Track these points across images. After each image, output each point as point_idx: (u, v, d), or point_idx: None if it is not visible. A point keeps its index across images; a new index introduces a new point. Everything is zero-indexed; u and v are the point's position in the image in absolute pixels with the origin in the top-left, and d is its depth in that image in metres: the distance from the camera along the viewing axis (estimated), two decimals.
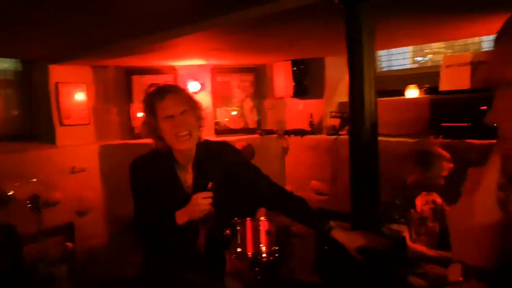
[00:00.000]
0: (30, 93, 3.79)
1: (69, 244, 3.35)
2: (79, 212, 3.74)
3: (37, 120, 3.81)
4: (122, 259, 3.68)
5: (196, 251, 1.75)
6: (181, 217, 1.58)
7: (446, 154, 2.40)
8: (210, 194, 1.59)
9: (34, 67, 3.74)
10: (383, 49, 3.95)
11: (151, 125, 1.65)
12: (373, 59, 1.85)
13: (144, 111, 1.67)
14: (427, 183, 2.45)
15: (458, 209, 0.75)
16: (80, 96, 3.90)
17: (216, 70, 4.26)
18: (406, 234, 2.35)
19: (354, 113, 1.89)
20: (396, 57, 4.31)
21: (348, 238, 1.67)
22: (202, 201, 1.57)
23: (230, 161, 1.79)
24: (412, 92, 3.29)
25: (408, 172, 2.51)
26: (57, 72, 3.72)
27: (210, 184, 1.60)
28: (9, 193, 2.30)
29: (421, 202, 2.51)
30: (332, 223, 1.73)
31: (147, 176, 1.69)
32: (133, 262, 3.35)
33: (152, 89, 1.69)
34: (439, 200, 2.58)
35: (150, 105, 1.64)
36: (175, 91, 1.67)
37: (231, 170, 1.76)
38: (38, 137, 3.79)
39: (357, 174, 1.92)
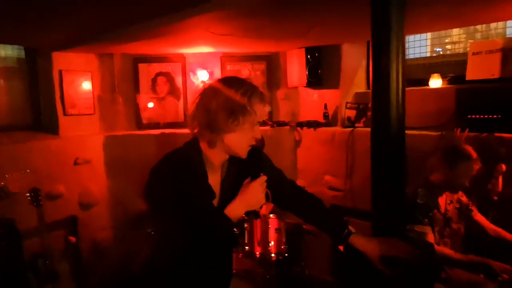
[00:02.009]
0: (34, 82, 3.67)
1: (72, 238, 3.24)
2: (82, 205, 3.64)
3: (40, 110, 3.69)
4: (127, 253, 3.58)
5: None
6: (236, 213, 1.39)
7: (473, 154, 2.21)
8: (264, 179, 1.41)
9: (38, 55, 3.61)
10: (410, 34, 3.72)
11: (240, 125, 1.37)
12: (401, 44, 1.66)
13: (233, 106, 1.36)
14: (452, 182, 2.27)
15: None
16: (85, 85, 3.77)
17: (226, 58, 4.09)
18: (431, 237, 2.18)
19: (378, 103, 1.70)
20: (413, 46, 4.09)
21: (370, 246, 1.49)
22: (260, 188, 1.40)
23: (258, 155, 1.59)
24: (436, 82, 3.08)
25: (431, 169, 2.32)
26: (61, 60, 3.59)
27: (262, 172, 1.43)
28: (2, 184, 2.16)
29: (445, 201, 2.33)
30: (351, 228, 1.55)
31: (185, 178, 1.40)
32: (139, 257, 3.28)
33: (243, 82, 1.44)
34: (465, 199, 2.40)
35: (248, 103, 1.37)
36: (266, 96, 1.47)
37: (250, 159, 1.56)
38: (41, 127, 3.67)
39: (380, 170, 1.74)
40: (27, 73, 3.64)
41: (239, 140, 1.40)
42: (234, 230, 1.43)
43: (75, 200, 3.58)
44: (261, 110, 1.41)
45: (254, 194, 1.40)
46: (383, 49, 1.63)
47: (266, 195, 1.43)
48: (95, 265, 3.61)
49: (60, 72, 3.57)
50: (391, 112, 1.64)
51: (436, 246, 2.17)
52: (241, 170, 1.48)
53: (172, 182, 1.35)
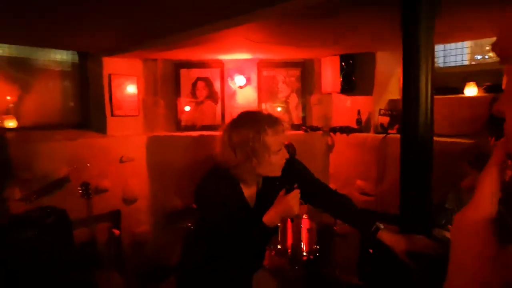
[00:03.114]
0: (85, 84, 3.96)
1: (116, 231, 3.47)
2: (125, 200, 3.88)
3: (91, 110, 3.98)
4: (164, 247, 3.78)
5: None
6: (272, 220, 1.54)
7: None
8: (298, 192, 1.57)
9: (90, 59, 3.90)
10: (442, 44, 3.73)
11: (256, 159, 1.55)
12: (431, 53, 1.73)
13: (245, 146, 1.54)
14: None
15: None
16: (131, 88, 4.02)
17: (262, 64, 4.23)
18: None
19: (407, 110, 1.78)
20: (453, 54, 4.07)
21: (397, 241, 1.58)
22: (295, 199, 1.55)
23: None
24: (471, 90, 3.08)
25: (462, 175, 2.35)
26: (110, 64, 3.86)
27: (295, 186, 1.58)
28: (64, 176, 2.40)
29: None
30: (379, 224, 1.64)
31: (223, 199, 1.61)
32: (175, 251, 3.46)
33: (251, 118, 1.60)
34: None
35: (259, 138, 1.54)
36: (279, 122, 1.62)
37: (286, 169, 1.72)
38: (91, 127, 3.95)
39: (408, 175, 1.82)
40: (79, 76, 3.94)
41: (267, 168, 1.58)
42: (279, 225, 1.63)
43: (119, 195, 3.83)
44: (275, 141, 1.55)
45: (288, 206, 1.54)
46: (412, 58, 1.71)
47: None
48: (134, 256, 3.84)
49: (110, 75, 3.85)
50: (420, 119, 1.71)
51: None
52: (275, 183, 1.64)
53: (215, 198, 1.59)
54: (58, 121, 3.80)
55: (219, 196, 1.59)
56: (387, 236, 1.61)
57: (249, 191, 1.68)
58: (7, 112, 3.48)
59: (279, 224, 1.93)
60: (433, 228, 2.18)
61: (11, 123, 3.42)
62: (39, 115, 3.68)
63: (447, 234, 2.17)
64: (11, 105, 3.58)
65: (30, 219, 2.82)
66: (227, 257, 1.63)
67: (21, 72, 3.59)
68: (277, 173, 1.62)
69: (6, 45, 3.46)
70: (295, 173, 1.74)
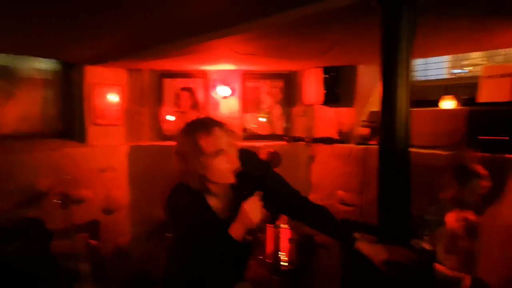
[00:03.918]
0: (68, 93, 3.91)
1: (94, 242, 3.41)
2: (106, 210, 3.82)
3: (72, 119, 3.93)
4: (147, 258, 3.73)
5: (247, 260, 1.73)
6: (237, 232, 1.49)
7: (484, 172, 2.27)
8: (258, 198, 1.51)
9: (73, 68, 3.86)
10: (422, 58, 3.82)
11: (196, 166, 1.49)
12: (408, 66, 1.78)
13: (184, 154, 1.51)
14: (462, 200, 2.32)
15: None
16: (114, 98, 3.99)
17: (246, 76, 4.26)
18: None
19: (385, 122, 1.82)
20: (432, 67, 4.18)
21: (374, 251, 1.60)
22: (254, 207, 1.49)
23: (258, 170, 1.72)
24: (448, 103, 3.16)
25: (441, 186, 2.39)
26: (94, 74, 3.83)
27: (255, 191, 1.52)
28: (42, 189, 2.35)
29: (453, 218, 2.38)
30: (356, 234, 1.66)
31: (186, 215, 1.57)
32: (159, 261, 3.41)
33: (187, 125, 1.57)
34: (473, 217, 2.45)
35: (193, 143, 1.49)
36: (217, 124, 1.54)
37: (257, 177, 1.69)
38: (73, 136, 3.90)
39: (386, 186, 1.85)
40: (62, 85, 3.89)
41: (215, 174, 1.52)
42: (248, 239, 1.54)
43: (99, 205, 3.77)
44: (207, 143, 1.48)
45: (248, 214, 1.48)
46: (390, 71, 1.75)
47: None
48: (116, 268, 3.76)
49: (92, 85, 3.81)
50: (397, 131, 1.75)
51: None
52: (243, 193, 1.57)
53: (181, 212, 1.55)
54: (39, 130, 3.74)
55: (183, 210, 1.55)
56: (365, 246, 1.63)
57: (218, 203, 1.62)
58: None
59: (259, 234, 1.91)
60: (412, 239, 2.22)
61: None
62: (20, 123, 3.61)
63: (424, 244, 2.21)
64: None
65: (8, 231, 2.75)
66: (203, 272, 1.60)
67: (2, 80, 3.53)
68: (229, 179, 1.54)
69: None
70: (270, 184, 1.70)
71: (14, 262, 2.51)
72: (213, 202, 1.62)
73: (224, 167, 1.51)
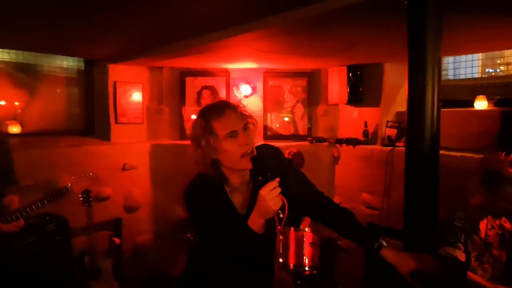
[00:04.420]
0: (91, 91, 3.96)
1: (117, 240, 3.43)
2: (127, 208, 3.84)
3: (95, 117, 3.97)
4: (166, 257, 3.73)
5: (272, 254, 1.65)
6: (256, 223, 1.41)
7: None
8: (275, 183, 1.38)
9: (95, 66, 3.91)
10: (451, 56, 3.66)
11: (208, 148, 1.46)
12: (437, 64, 1.67)
13: (197, 136, 1.48)
14: (494, 207, 2.18)
15: None
16: (136, 96, 4.01)
17: (268, 74, 4.20)
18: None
19: (412, 123, 1.72)
20: (463, 66, 4.00)
21: (400, 260, 1.50)
22: (270, 193, 1.36)
23: (278, 166, 1.64)
24: (480, 104, 3.00)
25: (472, 192, 2.26)
26: (116, 72, 3.86)
27: (269, 175, 1.40)
28: (65, 186, 2.37)
29: (486, 226, 2.25)
30: (382, 241, 1.57)
31: (203, 203, 1.53)
32: (177, 261, 3.41)
33: (202, 108, 1.54)
34: (508, 225, 2.31)
35: (205, 125, 1.46)
36: (231, 106, 1.51)
37: (279, 172, 1.59)
38: (95, 134, 3.94)
39: (413, 190, 1.75)
40: (85, 83, 3.94)
41: (227, 157, 1.47)
42: (280, 214, 1.40)
43: (121, 203, 3.79)
44: (221, 124, 1.45)
45: (265, 201, 1.37)
46: (418, 69, 1.65)
47: (283, 202, 1.39)
48: (135, 266, 3.78)
49: (115, 83, 3.84)
50: (425, 132, 1.65)
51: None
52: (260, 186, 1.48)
53: (198, 203, 1.52)
54: (62, 128, 3.80)
55: (199, 198, 1.52)
56: (390, 254, 1.53)
57: (238, 196, 1.57)
58: (14, 118, 3.48)
59: (281, 237, 1.84)
60: (441, 246, 2.10)
61: (15, 129, 3.41)
62: (43, 121, 3.68)
63: (455, 252, 2.08)
64: (19, 110, 3.59)
65: (30, 227, 2.79)
66: (224, 265, 1.55)
67: (27, 78, 3.61)
68: (242, 164, 1.47)
69: (12, 51, 3.47)
70: (292, 182, 1.62)
71: (34, 258, 2.54)
72: (233, 195, 1.57)
73: (236, 150, 1.45)
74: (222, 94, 4.23)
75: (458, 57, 3.89)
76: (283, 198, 1.39)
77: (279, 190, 1.38)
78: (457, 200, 2.28)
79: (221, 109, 1.47)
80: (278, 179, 1.40)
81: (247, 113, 1.53)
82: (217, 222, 1.49)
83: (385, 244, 1.57)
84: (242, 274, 1.63)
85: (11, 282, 2.46)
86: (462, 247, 2.11)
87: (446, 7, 1.60)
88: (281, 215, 1.39)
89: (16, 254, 2.58)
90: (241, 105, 1.55)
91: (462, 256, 2.10)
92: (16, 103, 3.62)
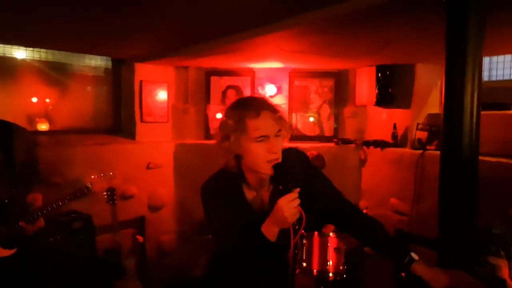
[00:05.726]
0: (118, 90, 4.00)
1: (140, 238, 3.44)
2: (151, 207, 3.85)
3: (122, 115, 4.01)
4: (190, 258, 3.71)
5: (285, 265, 1.56)
6: (270, 230, 1.36)
7: None
8: (295, 195, 1.34)
9: (123, 65, 3.94)
10: (489, 56, 3.49)
11: (235, 144, 1.41)
12: (478, 65, 1.57)
13: (228, 130, 1.42)
14: None
15: None
16: (161, 95, 4.03)
17: (294, 74, 4.13)
18: (505, 271, 1.98)
19: (449, 126, 1.62)
20: (500, 67, 3.81)
21: (433, 276, 1.41)
22: (289, 204, 1.32)
23: (304, 172, 1.58)
24: None
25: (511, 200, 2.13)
26: (143, 71, 3.88)
27: (290, 186, 1.35)
28: (86, 186, 2.39)
29: None
30: (414, 255, 1.47)
31: (219, 197, 1.48)
32: (201, 262, 3.38)
33: (239, 100, 1.48)
34: None
35: (239, 121, 1.40)
36: (269, 107, 1.43)
37: (304, 179, 1.54)
38: (122, 132, 3.97)
39: (449, 197, 1.65)
40: (112, 82, 3.98)
41: (251, 158, 1.41)
42: (295, 226, 1.35)
43: (145, 202, 3.81)
44: (255, 124, 1.37)
45: (282, 212, 1.32)
46: (457, 70, 1.55)
47: (300, 215, 1.34)
48: (158, 265, 3.79)
49: (141, 82, 3.86)
50: (464, 137, 1.55)
51: (510, 282, 1.97)
52: (280, 191, 1.42)
53: (213, 195, 1.47)
54: (90, 126, 3.85)
55: (216, 193, 1.46)
56: (422, 269, 1.44)
57: (255, 196, 1.52)
58: (44, 115, 3.55)
59: (304, 241, 1.77)
60: (481, 255, 1.98)
61: (43, 126, 3.48)
62: (71, 118, 3.73)
63: (498, 262, 1.95)
64: (50, 107, 3.66)
65: (58, 224, 2.83)
66: (236, 263, 1.47)
67: (57, 76, 3.67)
68: (264, 169, 1.41)
69: (43, 50, 3.54)
70: (317, 189, 1.56)
71: (60, 255, 2.56)
72: (249, 193, 1.52)
73: (262, 155, 1.39)
74: (247, 94, 4.18)
75: (493, 58, 3.71)
76: (302, 210, 1.33)
77: (298, 201, 1.33)
78: (496, 207, 2.15)
79: (258, 109, 1.40)
80: (298, 190, 1.34)
81: (284, 118, 1.46)
82: (229, 216, 1.44)
83: (416, 258, 1.48)
84: (256, 280, 1.57)
85: (37, 279, 2.49)
86: (503, 255, 1.98)
87: (490, 2, 1.49)
88: (297, 227, 1.34)
89: (44, 252, 2.61)
90: (281, 108, 1.48)
91: (506, 266, 1.98)
92: (47, 100, 3.69)
